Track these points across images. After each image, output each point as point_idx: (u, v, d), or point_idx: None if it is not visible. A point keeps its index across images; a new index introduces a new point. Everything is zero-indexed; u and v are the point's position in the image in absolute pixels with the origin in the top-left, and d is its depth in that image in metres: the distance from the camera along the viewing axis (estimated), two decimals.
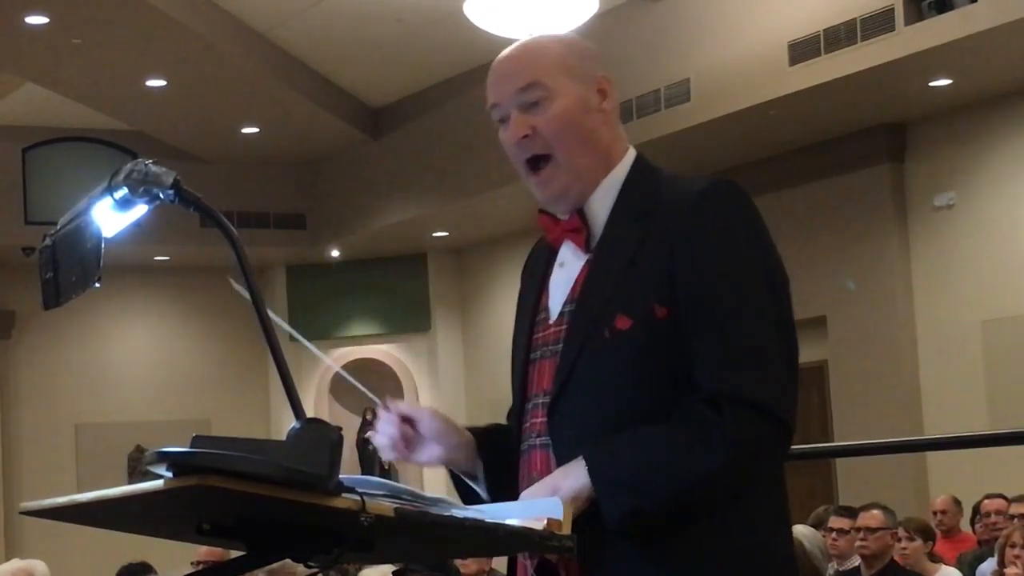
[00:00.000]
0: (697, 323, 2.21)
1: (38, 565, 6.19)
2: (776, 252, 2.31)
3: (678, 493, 2.17)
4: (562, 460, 2.27)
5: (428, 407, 2.50)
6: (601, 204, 2.35)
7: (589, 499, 2.17)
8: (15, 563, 6.30)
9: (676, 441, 2.17)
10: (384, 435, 2.43)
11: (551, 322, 2.37)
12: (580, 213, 2.36)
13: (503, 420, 2.53)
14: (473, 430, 2.49)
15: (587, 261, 2.34)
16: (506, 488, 2.38)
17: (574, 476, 2.19)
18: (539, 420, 2.34)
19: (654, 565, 2.21)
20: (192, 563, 7.09)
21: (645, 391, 2.23)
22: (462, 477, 2.47)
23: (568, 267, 2.37)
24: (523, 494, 2.23)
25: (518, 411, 2.41)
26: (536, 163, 2.37)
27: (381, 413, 2.45)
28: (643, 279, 2.24)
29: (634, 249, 2.26)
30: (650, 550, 2.20)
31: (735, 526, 2.22)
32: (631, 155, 2.40)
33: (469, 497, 2.44)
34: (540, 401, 2.35)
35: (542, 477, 2.28)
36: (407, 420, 2.43)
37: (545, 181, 2.36)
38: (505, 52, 2.46)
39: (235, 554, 2.14)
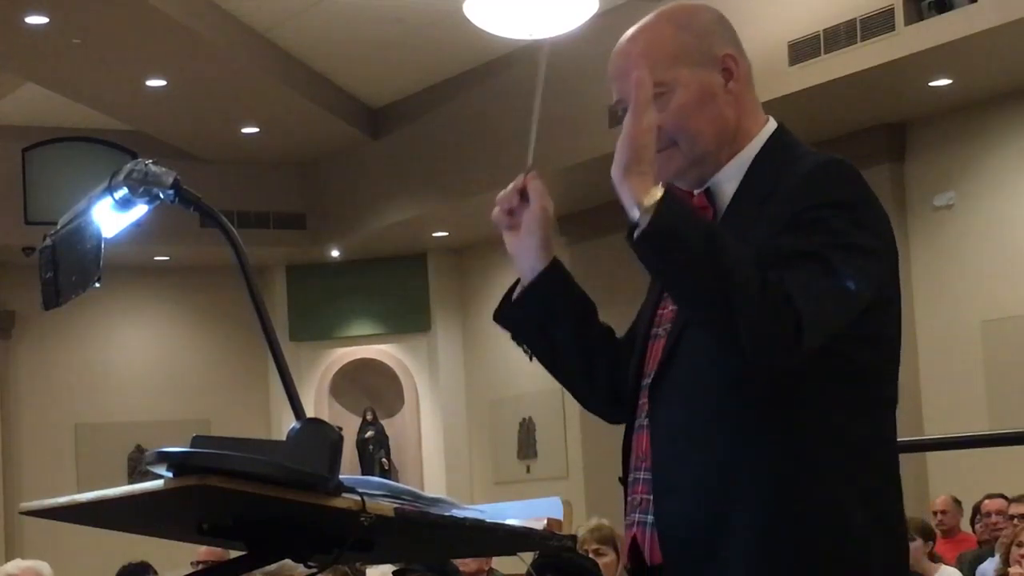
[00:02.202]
0: (774, 258, 2.14)
1: (43, 566, 6.19)
2: (882, 230, 2.27)
3: (707, 267, 2.09)
4: (657, 437, 2.26)
5: (546, 211, 2.46)
6: (729, 183, 2.32)
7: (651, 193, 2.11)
8: (21, 563, 6.30)
9: (741, 259, 2.10)
10: (504, 197, 2.44)
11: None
12: (708, 192, 2.34)
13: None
14: (565, 272, 2.51)
15: None
16: (542, 316, 2.43)
17: (644, 186, 2.14)
18: (645, 401, 2.32)
19: (728, 559, 2.17)
20: (192, 563, 7.08)
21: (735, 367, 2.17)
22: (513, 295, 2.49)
23: None
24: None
25: (633, 387, 2.37)
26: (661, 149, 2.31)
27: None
28: None
29: (747, 228, 2.21)
30: (722, 551, 2.18)
31: (821, 528, 2.17)
32: (768, 129, 2.38)
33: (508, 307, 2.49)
34: (647, 382, 2.32)
35: (645, 458, 2.28)
36: (524, 198, 2.44)
37: (663, 161, 2.27)
38: (622, 41, 2.38)
39: (235, 554, 2.14)
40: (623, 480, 2.37)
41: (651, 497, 2.26)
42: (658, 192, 2.11)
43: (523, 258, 2.47)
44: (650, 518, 2.27)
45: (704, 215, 2.27)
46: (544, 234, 2.45)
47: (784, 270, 2.11)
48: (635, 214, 2.12)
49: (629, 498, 2.33)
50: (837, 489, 2.18)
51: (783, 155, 2.32)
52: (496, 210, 2.46)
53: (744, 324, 2.07)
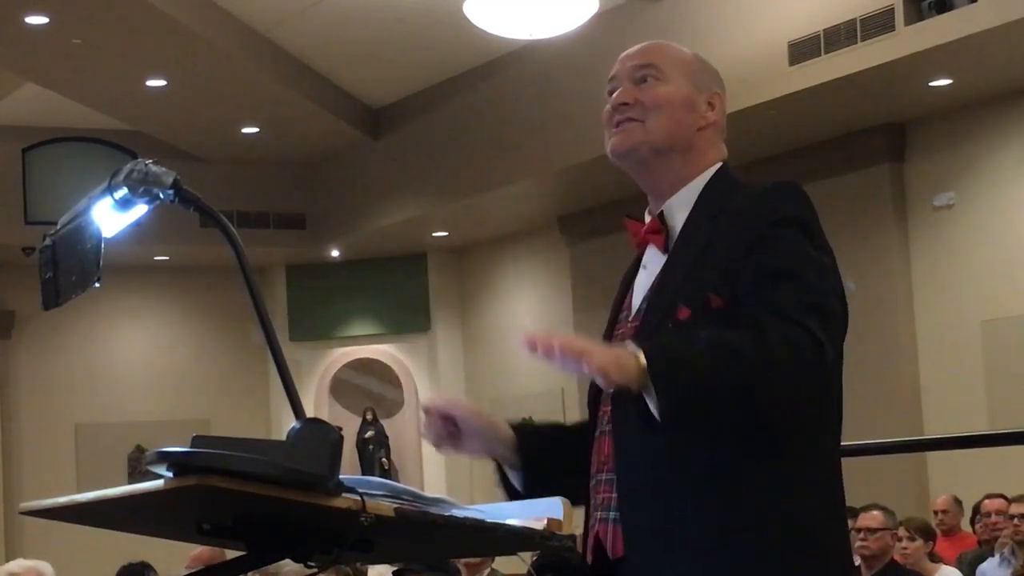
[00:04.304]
0: (754, 285, 2.29)
1: (45, 566, 6.17)
2: (830, 251, 2.43)
3: (731, 374, 2.20)
4: (620, 446, 2.38)
5: (469, 406, 2.61)
6: (681, 208, 2.49)
7: (640, 371, 2.18)
8: (24, 562, 6.28)
9: (731, 337, 2.23)
10: (431, 432, 2.56)
11: (631, 319, 2.48)
12: (661, 216, 2.49)
13: (503, 418, 2.63)
14: (515, 426, 2.63)
15: (665, 260, 2.45)
16: (541, 482, 2.50)
17: (628, 353, 2.21)
18: (609, 408, 2.45)
19: (688, 552, 2.29)
20: (187, 566, 7.05)
21: None
22: (501, 465, 2.59)
23: (650, 268, 2.49)
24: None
25: (595, 397, 2.51)
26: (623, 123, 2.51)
27: (423, 412, 2.57)
28: (705, 272, 2.35)
29: (704, 246, 2.39)
30: (680, 539, 2.29)
31: (776, 522, 2.29)
32: (717, 166, 2.54)
33: (508, 485, 2.59)
34: (611, 392, 2.42)
35: (608, 461, 2.40)
36: (448, 417, 2.56)
37: (623, 130, 2.49)
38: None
39: (235, 554, 2.14)
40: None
41: (614, 495, 2.39)
42: (639, 360, 2.18)
43: (488, 449, 2.59)
44: (613, 514, 2.39)
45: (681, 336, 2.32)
46: (486, 434, 2.58)
47: (771, 290, 2.28)
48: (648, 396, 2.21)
49: (592, 500, 2.46)
50: (791, 485, 2.32)
51: (730, 184, 2.51)
52: (434, 439, 2.56)
53: (786, 387, 2.27)
